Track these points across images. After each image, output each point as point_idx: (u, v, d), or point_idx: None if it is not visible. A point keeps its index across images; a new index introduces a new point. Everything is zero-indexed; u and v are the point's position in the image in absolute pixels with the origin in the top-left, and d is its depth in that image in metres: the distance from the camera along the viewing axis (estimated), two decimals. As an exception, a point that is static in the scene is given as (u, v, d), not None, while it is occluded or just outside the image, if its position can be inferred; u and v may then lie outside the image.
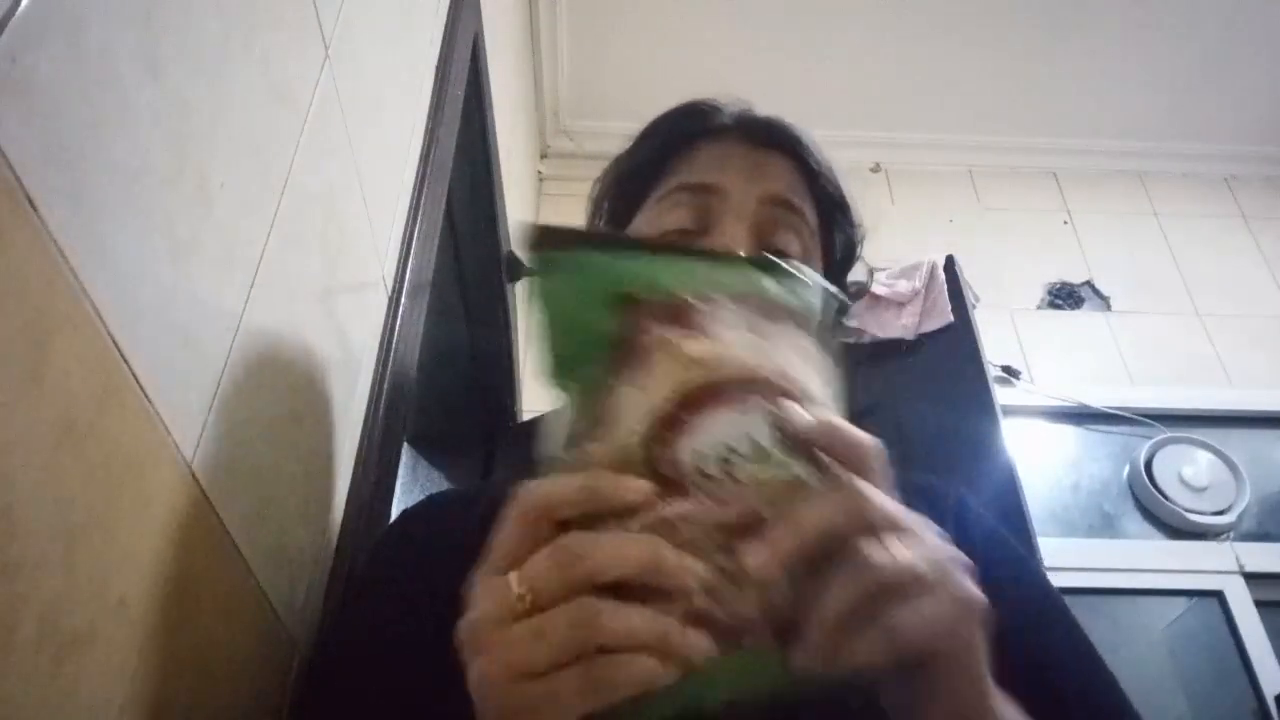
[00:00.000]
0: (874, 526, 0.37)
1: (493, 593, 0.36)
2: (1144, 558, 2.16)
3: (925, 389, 1.89)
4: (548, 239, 0.43)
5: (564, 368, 0.41)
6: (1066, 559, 2.02)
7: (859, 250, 0.74)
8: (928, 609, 0.36)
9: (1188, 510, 2.20)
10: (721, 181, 0.65)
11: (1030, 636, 0.55)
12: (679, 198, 0.65)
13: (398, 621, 0.59)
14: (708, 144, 0.69)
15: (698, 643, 0.35)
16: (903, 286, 2.09)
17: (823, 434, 0.39)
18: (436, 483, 1.78)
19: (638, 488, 0.37)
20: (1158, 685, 2.05)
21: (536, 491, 0.37)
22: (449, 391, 1.76)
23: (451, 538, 0.63)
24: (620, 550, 0.35)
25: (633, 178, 0.71)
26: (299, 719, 0.62)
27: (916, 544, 0.38)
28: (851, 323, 1.77)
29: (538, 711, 0.34)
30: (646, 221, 0.67)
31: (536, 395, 1.71)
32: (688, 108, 0.73)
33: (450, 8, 1.25)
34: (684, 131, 0.70)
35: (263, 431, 0.59)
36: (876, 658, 0.36)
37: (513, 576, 0.36)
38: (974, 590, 0.38)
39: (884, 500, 0.38)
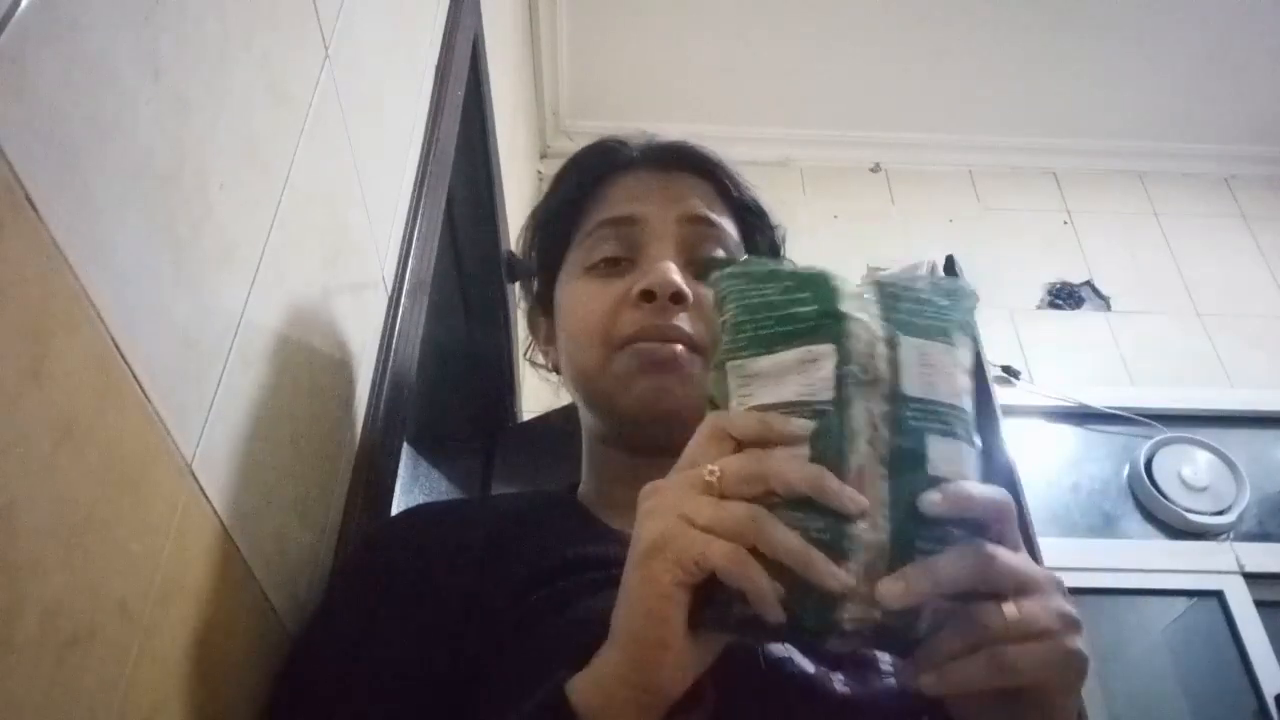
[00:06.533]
0: (1000, 586, 0.41)
1: (686, 475, 0.43)
2: (1144, 558, 2.15)
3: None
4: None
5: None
6: (1066, 559, 2.01)
7: (782, 249, 0.80)
8: (1037, 653, 0.40)
9: (1188, 510, 2.20)
10: (640, 211, 0.70)
11: None
12: (604, 233, 0.70)
13: (395, 621, 0.59)
14: (621, 178, 0.74)
15: (837, 575, 0.39)
16: (903, 286, 2.09)
17: (954, 505, 0.41)
18: (436, 482, 1.78)
19: (801, 427, 0.42)
20: (1158, 685, 2.05)
21: (725, 418, 0.44)
22: (449, 391, 1.76)
23: (452, 544, 0.63)
24: (794, 465, 0.41)
25: (554, 220, 0.76)
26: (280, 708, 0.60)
27: (1039, 599, 0.42)
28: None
29: (677, 542, 0.40)
30: (577, 259, 0.72)
31: (537, 395, 1.71)
32: (596, 147, 0.78)
33: (450, 8, 1.25)
34: (595, 171, 0.75)
35: (262, 431, 0.59)
36: (977, 685, 0.40)
37: (706, 465, 0.42)
38: (1081, 647, 0.42)
39: (1011, 560, 0.42)
